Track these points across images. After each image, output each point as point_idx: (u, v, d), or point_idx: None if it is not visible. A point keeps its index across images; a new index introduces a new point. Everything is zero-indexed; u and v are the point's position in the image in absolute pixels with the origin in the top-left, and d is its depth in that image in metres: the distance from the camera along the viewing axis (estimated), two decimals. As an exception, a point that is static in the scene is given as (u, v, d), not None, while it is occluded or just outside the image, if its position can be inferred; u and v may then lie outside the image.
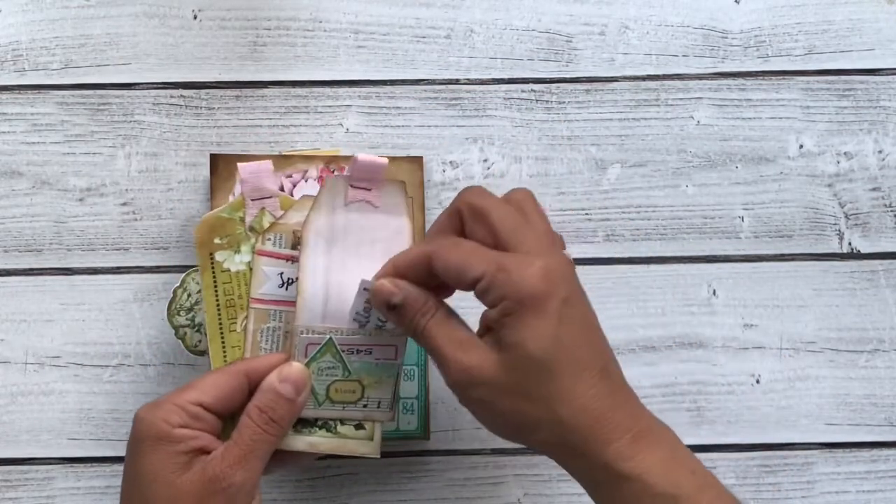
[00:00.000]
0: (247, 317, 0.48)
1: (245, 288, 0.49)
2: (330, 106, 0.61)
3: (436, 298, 0.46)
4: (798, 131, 0.62)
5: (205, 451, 0.45)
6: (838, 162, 0.61)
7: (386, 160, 0.48)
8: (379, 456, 0.50)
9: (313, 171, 0.56)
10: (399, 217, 0.48)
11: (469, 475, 0.59)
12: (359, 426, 0.49)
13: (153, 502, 0.43)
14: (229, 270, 0.49)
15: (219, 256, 0.48)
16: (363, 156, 0.47)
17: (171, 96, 0.61)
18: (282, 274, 0.49)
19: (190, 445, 0.44)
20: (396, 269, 0.46)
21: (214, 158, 0.56)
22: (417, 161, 0.58)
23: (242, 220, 0.49)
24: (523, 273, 0.42)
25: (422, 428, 0.57)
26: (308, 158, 0.56)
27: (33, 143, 0.60)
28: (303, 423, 0.48)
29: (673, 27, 0.62)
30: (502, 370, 0.42)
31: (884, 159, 0.61)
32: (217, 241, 0.48)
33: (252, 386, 0.46)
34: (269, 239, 0.49)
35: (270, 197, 0.49)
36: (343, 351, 0.48)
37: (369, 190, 0.48)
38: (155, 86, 0.61)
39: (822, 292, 0.61)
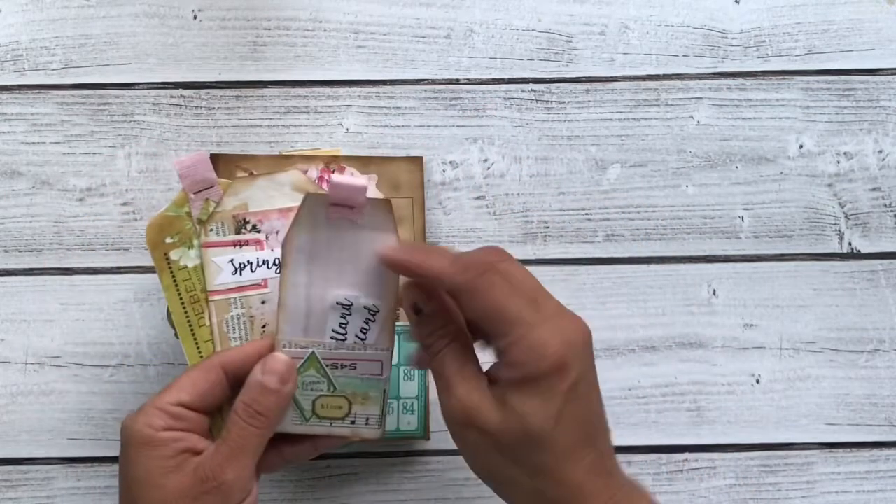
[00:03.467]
0: (209, 311, 0.49)
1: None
2: (330, 106, 0.61)
3: (460, 324, 0.45)
4: (798, 131, 0.62)
5: (194, 452, 0.45)
6: (838, 162, 0.61)
7: (364, 184, 0.45)
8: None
9: (313, 171, 0.56)
10: (386, 233, 0.46)
11: (469, 475, 0.59)
12: None
13: None
14: (186, 267, 0.49)
15: (173, 255, 0.49)
16: (339, 178, 0.45)
17: (171, 96, 0.61)
18: (232, 261, 0.49)
19: (176, 447, 0.44)
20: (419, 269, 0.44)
21: (214, 158, 0.56)
22: (417, 161, 0.58)
23: (189, 214, 0.49)
24: (546, 341, 0.41)
25: (422, 428, 0.57)
26: (308, 158, 0.56)
27: (33, 143, 0.60)
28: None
29: (673, 27, 0.62)
30: (499, 427, 0.42)
31: (884, 159, 0.61)
32: (168, 240, 0.48)
33: (230, 377, 0.46)
34: (211, 230, 0.49)
35: (212, 186, 0.49)
36: (327, 365, 0.47)
37: (352, 208, 0.46)
38: (155, 86, 0.61)
39: (822, 292, 0.61)
